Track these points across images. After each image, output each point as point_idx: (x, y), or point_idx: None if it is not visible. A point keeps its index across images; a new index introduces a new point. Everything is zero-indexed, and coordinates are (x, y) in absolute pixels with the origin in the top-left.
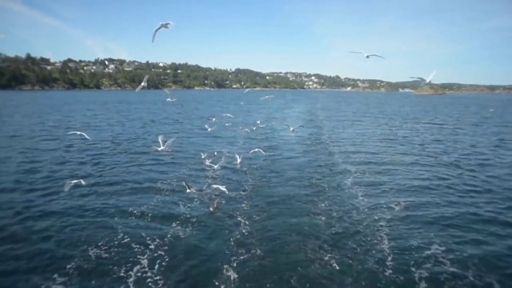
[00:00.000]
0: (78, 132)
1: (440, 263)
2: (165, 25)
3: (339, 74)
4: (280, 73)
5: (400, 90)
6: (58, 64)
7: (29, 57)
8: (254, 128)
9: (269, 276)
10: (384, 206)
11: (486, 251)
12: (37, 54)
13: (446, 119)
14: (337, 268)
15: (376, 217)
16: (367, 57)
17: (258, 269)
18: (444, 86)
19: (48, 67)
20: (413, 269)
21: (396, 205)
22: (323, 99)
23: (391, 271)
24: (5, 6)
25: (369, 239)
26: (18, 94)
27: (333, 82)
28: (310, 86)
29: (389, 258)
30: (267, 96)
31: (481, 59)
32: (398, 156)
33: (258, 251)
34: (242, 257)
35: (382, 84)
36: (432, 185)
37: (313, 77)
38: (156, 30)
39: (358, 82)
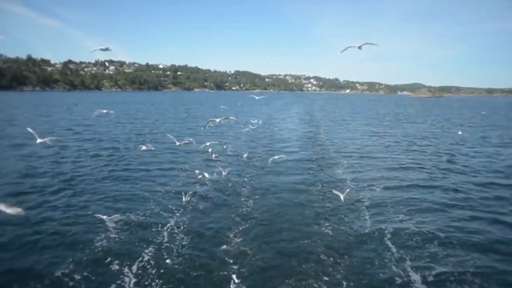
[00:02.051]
0: (104, 111)
1: (406, 228)
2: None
3: (338, 76)
4: (279, 75)
5: (399, 92)
6: (58, 65)
7: (29, 58)
8: (256, 126)
9: (266, 243)
10: (367, 188)
11: (445, 220)
12: (36, 55)
13: (435, 119)
14: (327, 232)
15: (360, 196)
16: (360, 48)
17: (257, 237)
18: (443, 89)
19: (49, 68)
20: (387, 234)
21: (377, 187)
22: (322, 102)
23: (368, 233)
24: (5, 7)
25: (353, 212)
26: (21, 95)
27: (332, 85)
28: (309, 89)
29: (368, 224)
30: (257, 97)
31: (481, 62)
32: (383, 149)
33: (258, 223)
34: (242, 227)
35: (380, 86)
36: (406, 172)
37: (312, 80)
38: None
39: (357, 84)
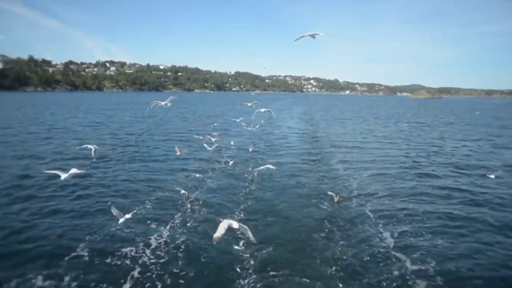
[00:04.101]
0: (162, 103)
1: (383, 203)
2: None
3: (338, 77)
4: (280, 76)
5: (398, 94)
6: (59, 66)
7: (31, 59)
8: (258, 125)
9: (265, 218)
10: (355, 172)
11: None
12: (37, 55)
13: (427, 118)
14: (321, 209)
15: (350, 180)
16: (313, 37)
17: (257, 213)
18: (442, 90)
19: (50, 69)
20: (369, 209)
21: (363, 172)
22: (321, 102)
23: (356, 207)
24: (5, 7)
25: (345, 192)
26: (24, 95)
27: (332, 86)
28: (309, 90)
29: (354, 203)
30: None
31: (480, 63)
32: (375, 144)
33: (259, 202)
34: (245, 205)
35: (380, 88)
36: (391, 162)
37: (312, 81)
38: None
39: (356, 85)
